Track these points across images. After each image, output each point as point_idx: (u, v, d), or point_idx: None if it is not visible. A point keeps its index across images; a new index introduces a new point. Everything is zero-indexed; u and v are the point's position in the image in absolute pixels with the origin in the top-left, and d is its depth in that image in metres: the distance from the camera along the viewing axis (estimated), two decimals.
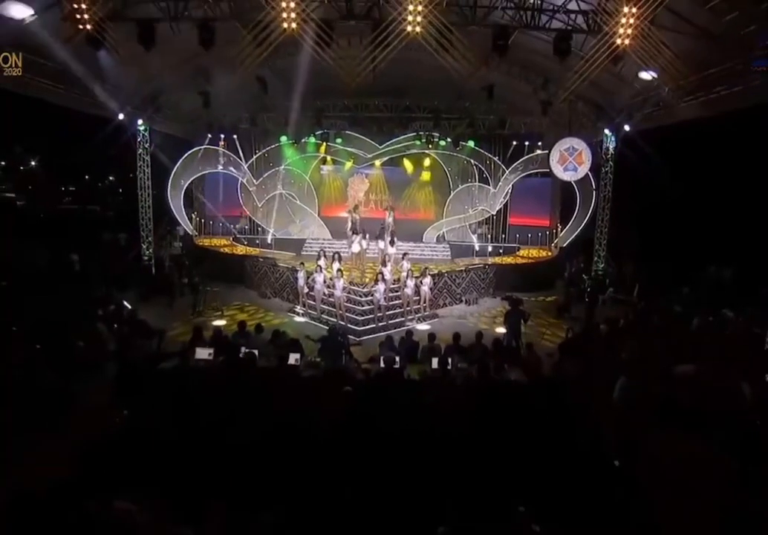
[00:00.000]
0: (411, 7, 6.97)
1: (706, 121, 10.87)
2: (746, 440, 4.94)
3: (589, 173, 15.28)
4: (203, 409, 4.88)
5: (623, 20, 7.09)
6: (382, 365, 6.46)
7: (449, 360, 6.57)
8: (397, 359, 6.66)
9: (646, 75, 10.29)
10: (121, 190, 39.82)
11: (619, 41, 7.22)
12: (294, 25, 7.18)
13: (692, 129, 12.18)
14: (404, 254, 13.23)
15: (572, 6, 8.35)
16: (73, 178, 38.38)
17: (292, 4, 7.07)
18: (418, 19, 7.06)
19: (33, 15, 8.43)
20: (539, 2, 7.89)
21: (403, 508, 3.47)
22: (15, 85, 9.89)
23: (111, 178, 41.36)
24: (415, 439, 4.23)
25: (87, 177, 39.97)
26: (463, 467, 3.94)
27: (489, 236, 18.48)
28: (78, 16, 7.28)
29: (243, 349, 6.78)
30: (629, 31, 7.12)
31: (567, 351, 8.43)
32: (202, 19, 7.79)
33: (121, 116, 13.75)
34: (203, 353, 6.79)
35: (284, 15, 7.15)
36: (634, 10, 7.01)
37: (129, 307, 10.60)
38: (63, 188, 38.99)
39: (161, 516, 3.19)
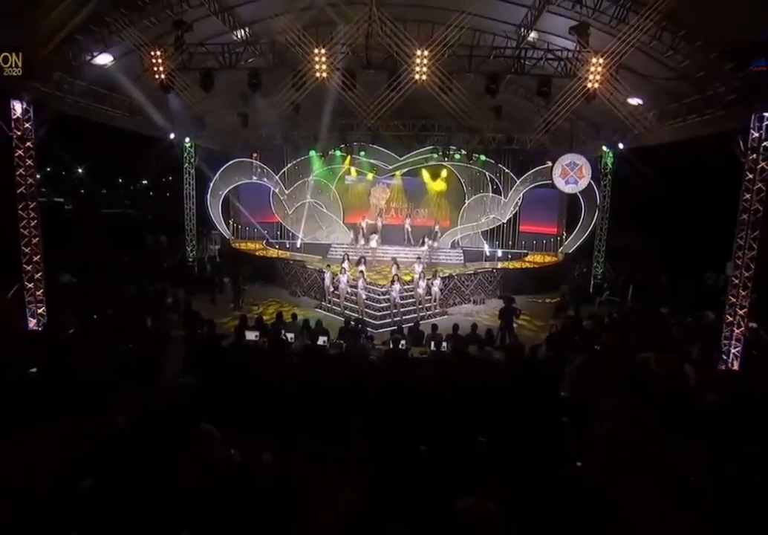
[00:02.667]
0: (418, 60, 8.69)
1: (686, 142, 12.17)
2: (682, 408, 6.41)
3: (593, 183, 16.54)
4: (254, 372, 6.62)
5: (593, 68, 8.68)
6: (391, 345, 8.16)
7: (444, 344, 8.23)
8: (404, 342, 8.35)
9: (633, 101, 11.71)
10: (151, 194, 42.12)
11: (589, 85, 8.79)
12: (324, 74, 8.98)
13: (677, 149, 13.42)
14: (417, 258, 14.89)
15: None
16: (109, 182, 40.51)
17: (323, 58, 8.87)
18: (425, 69, 8.78)
19: (112, 61, 10.50)
20: (525, 52, 9.49)
21: (399, 432, 5.09)
22: (83, 112, 11.53)
23: (144, 181, 43.49)
24: (414, 392, 5.87)
25: (120, 180, 41.93)
26: (442, 411, 5.57)
27: (498, 242, 19.91)
28: (155, 69, 9.22)
29: (282, 332, 8.56)
30: (598, 76, 8.70)
31: (551, 342, 9.98)
32: (251, 68, 9.64)
33: (172, 136, 15.87)
34: (251, 335, 8.58)
35: (317, 66, 8.96)
36: (601, 60, 8.60)
37: (184, 300, 12.49)
38: (108, 192, 41.24)
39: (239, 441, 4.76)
